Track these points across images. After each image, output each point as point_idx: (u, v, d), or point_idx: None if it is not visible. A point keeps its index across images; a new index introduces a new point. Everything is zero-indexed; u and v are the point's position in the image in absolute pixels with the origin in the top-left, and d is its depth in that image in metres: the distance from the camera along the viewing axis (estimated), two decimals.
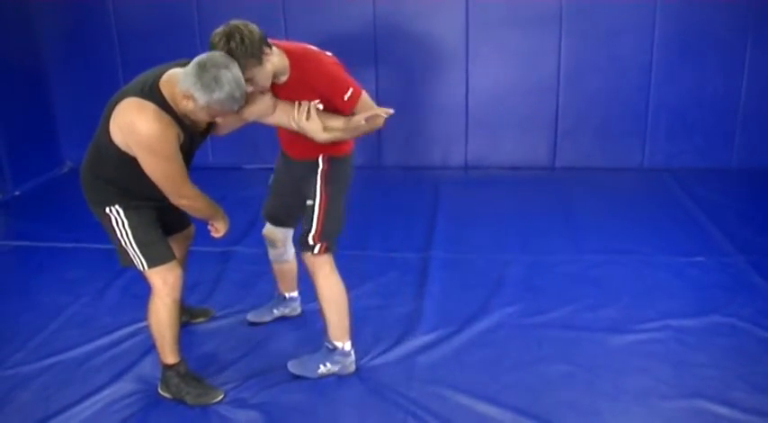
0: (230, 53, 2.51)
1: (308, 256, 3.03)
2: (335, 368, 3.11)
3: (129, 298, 3.84)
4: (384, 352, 3.30)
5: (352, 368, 3.14)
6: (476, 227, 4.86)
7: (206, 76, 2.43)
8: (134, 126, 2.52)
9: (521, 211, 5.15)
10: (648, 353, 3.26)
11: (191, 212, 2.93)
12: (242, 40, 2.53)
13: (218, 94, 2.45)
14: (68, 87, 6.26)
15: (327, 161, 2.96)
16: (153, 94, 2.53)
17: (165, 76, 2.57)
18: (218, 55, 2.49)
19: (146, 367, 3.19)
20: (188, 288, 3.82)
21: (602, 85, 5.90)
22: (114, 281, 4.07)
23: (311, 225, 2.98)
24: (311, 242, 2.98)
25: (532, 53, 5.89)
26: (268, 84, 2.72)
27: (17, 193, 5.78)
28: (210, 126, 2.81)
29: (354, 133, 2.88)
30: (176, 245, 3.12)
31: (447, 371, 3.16)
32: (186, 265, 3.31)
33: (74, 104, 6.25)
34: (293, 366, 3.12)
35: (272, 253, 3.42)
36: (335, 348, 3.09)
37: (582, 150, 6.07)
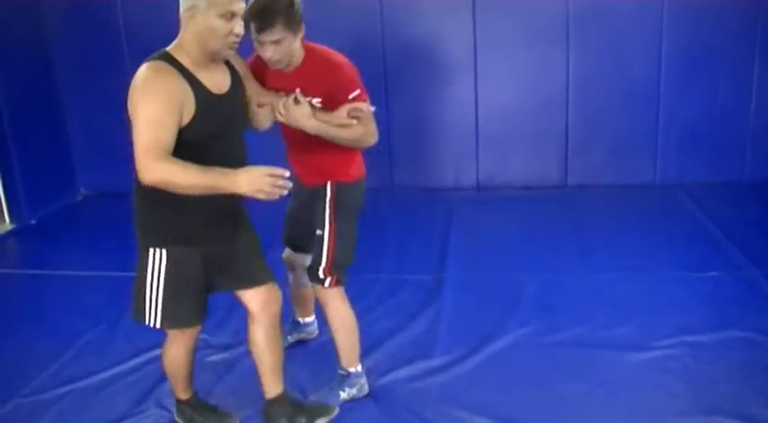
0: (274, 7, 2.55)
1: (318, 288, 3.01)
2: (354, 391, 3.10)
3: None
4: (399, 373, 3.30)
5: (366, 388, 3.14)
6: (489, 247, 4.86)
7: None
8: (137, 76, 2.30)
9: (534, 230, 5.15)
10: (664, 369, 3.24)
11: (182, 192, 2.25)
12: (293, 3, 2.60)
13: None
14: (83, 115, 6.30)
15: (335, 188, 2.93)
16: (160, 56, 2.36)
17: (170, 46, 2.40)
18: None
19: (163, 394, 3.19)
20: None
21: (612, 99, 5.90)
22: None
23: (321, 257, 2.93)
24: (321, 276, 2.94)
25: (541, 69, 5.91)
26: (283, 62, 2.69)
27: (33, 221, 5.83)
28: (244, 94, 2.59)
29: (339, 133, 2.74)
30: (252, 300, 2.70)
31: (462, 391, 3.15)
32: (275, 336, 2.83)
33: (88, 132, 6.32)
34: (316, 398, 3.09)
35: (291, 277, 3.41)
36: (349, 374, 3.09)
37: (593, 167, 6.07)
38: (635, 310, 3.80)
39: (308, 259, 3.13)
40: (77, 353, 3.62)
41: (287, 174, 2.21)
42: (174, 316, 2.56)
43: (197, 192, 2.24)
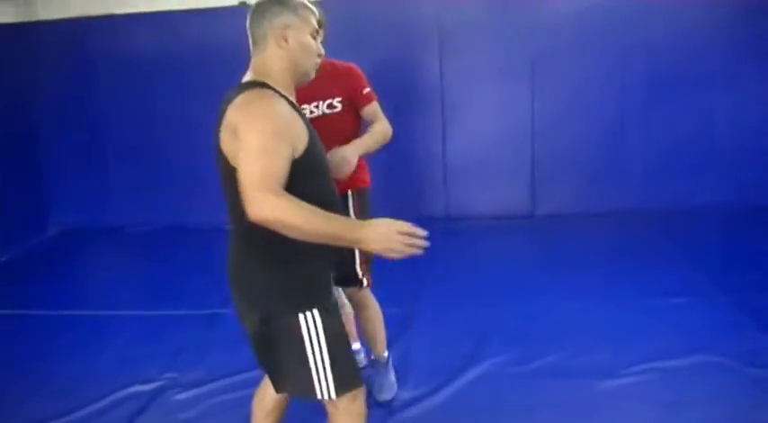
0: None
1: (354, 292, 3.20)
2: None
3: (118, 365, 3.82)
4: (373, 406, 3.28)
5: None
6: (460, 278, 4.89)
7: (275, 2, 2.11)
8: (245, 103, 1.98)
9: (504, 260, 5.19)
10: (638, 396, 3.26)
11: (297, 235, 1.89)
12: None
13: (299, 0, 2.15)
14: (56, 153, 6.30)
15: (355, 194, 3.12)
16: (254, 85, 2.04)
17: (249, 74, 2.13)
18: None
19: None
20: (172, 353, 3.83)
21: (577, 131, 6.02)
22: (103, 348, 4.06)
23: (354, 260, 3.08)
24: (361, 276, 3.14)
25: (507, 102, 6.02)
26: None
27: (3, 258, 5.76)
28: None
29: (372, 143, 2.95)
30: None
31: None
32: None
33: (61, 170, 6.31)
34: (387, 394, 3.34)
35: None
36: (387, 358, 3.42)
37: (560, 197, 6.16)
38: (606, 337, 3.83)
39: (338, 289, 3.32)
40: (48, 393, 3.56)
41: (424, 233, 2.01)
42: (348, 378, 2.18)
43: (312, 239, 1.91)
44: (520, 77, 5.90)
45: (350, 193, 3.09)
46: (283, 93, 2.07)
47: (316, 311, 2.09)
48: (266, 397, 2.48)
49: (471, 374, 3.53)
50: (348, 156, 2.67)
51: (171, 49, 5.98)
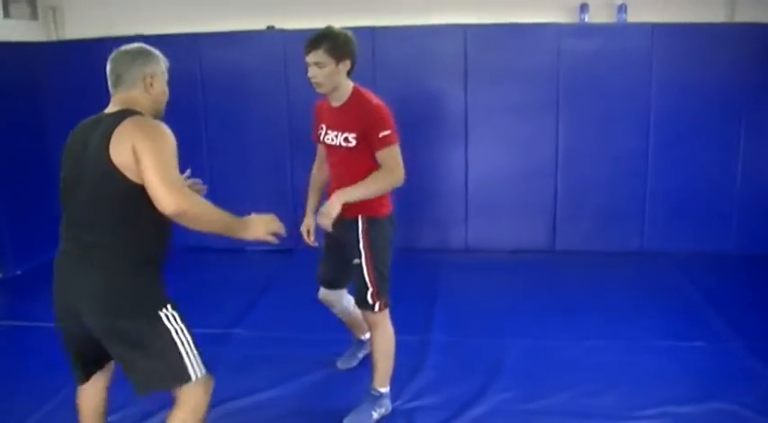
0: (331, 35, 3.06)
1: (368, 314, 3.27)
2: (383, 411, 3.36)
3: (124, 382, 3.81)
4: None
5: (390, 408, 3.41)
6: (475, 310, 4.85)
7: (142, 52, 2.56)
8: (140, 124, 2.38)
9: (520, 294, 5.15)
10: None
11: (197, 226, 2.35)
12: (342, 37, 3.06)
13: (158, 52, 2.61)
14: None
15: (367, 221, 3.20)
16: (132, 112, 2.45)
17: (119, 105, 2.51)
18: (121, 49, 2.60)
19: None
20: None
21: (600, 170, 5.99)
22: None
23: (365, 284, 3.20)
24: (371, 301, 3.22)
25: (531, 138, 6.01)
26: (326, 85, 3.10)
27: (18, 272, 5.81)
28: None
29: (363, 192, 3.09)
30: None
31: None
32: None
33: None
34: (350, 422, 3.30)
35: (334, 311, 3.71)
36: (381, 394, 3.35)
37: (581, 234, 6.12)
38: (619, 379, 3.78)
39: (343, 292, 3.59)
40: (54, 407, 3.56)
41: (284, 232, 2.55)
42: (202, 359, 2.52)
43: (212, 229, 2.38)
44: (545, 113, 5.90)
45: (360, 218, 3.20)
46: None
47: (170, 307, 2.46)
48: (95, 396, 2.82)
49: (478, 410, 3.49)
50: (327, 210, 2.99)
51: (195, 69, 6.06)
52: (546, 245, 6.18)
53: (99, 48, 6.22)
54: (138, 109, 2.47)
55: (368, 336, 3.76)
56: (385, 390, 3.37)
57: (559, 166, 6.00)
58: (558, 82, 5.85)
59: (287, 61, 5.85)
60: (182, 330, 2.45)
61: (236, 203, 3.34)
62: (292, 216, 6.19)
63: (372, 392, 3.35)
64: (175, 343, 2.43)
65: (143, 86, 2.53)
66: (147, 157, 2.27)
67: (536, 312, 4.77)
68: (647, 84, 5.77)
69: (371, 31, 5.84)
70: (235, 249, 6.11)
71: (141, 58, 2.54)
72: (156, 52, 2.60)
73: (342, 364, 3.88)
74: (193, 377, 2.45)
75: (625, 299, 5.02)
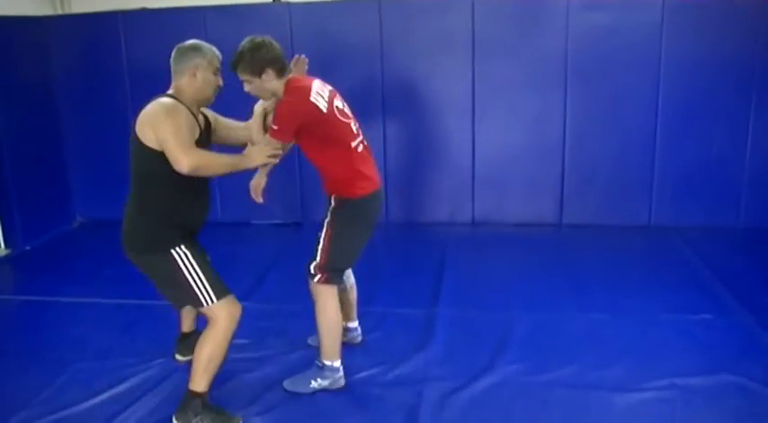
0: (241, 55, 3.13)
1: (310, 283, 3.36)
2: (326, 383, 3.41)
3: (134, 353, 3.85)
4: (389, 409, 3.28)
5: (342, 382, 3.44)
6: (482, 284, 4.86)
7: (191, 48, 3.05)
8: (154, 106, 2.93)
9: (527, 268, 5.15)
10: (654, 413, 3.22)
11: (212, 173, 3.02)
12: (252, 54, 3.12)
13: (208, 47, 3.07)
14: (81, 144, 6.38)
15: (338, 201, 3.33)
16: (165, 96, 3.01)
17: (170, 91, 3.06)
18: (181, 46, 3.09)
19: (150, 420, 3.19)
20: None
21: (608, 146, 5.96)
22: (120, 336, 4.10)
23: (315, 255, 3.33)
24: (312, 271, 3.34)
25: (538, 113, 5.97)
26: (263, 96, 3.28)
27: (27, 247, 5.84)
28: (209, 130, 3.24)
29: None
30: None
31: None
32: None
33: (86, 161, 6.38)
34: (288, 384, 3.43)
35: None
36: (323, 366, 3.40)
37: (589, 208, 6.10)
38: (626, 352, 3.78)
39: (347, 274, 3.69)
40: (67, 380, 3.59)
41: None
42: (221, 289, 3.07)
43: (225, 171, 3.04)
44: (553, 87, 5.86)
45: (333, 197, 3.35)
46: (188, 106, 3.02)
47: (184, 247, 3.02)
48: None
49: (486, 381, 3.50)
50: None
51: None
52: (553, 219, 6.17)
53: (105, 21, 6.27)
54: (181, 96, 3.01)
55: (351, 325, 3.85)
56: (329, 362, 3.41)
57: (567, 140, 5.97)
58: (566, 57, 5.79)
59: (293, 34, 5.82)
60: (191, 265, 3.01)
61: (242, 178, 3.38)
62: (299, 191, 6.24)
63: (316, 363, 3.44)
64: (185, 276, 3.00)
65: (188, 77, 3.03)
66: (161, 130, 2.85)
67: (543, 286, 4.77)
68: (657, 59, 5.71)
69: (378, 3, 5.80)
70: (242, 223, 6.16)
71: (190, 53, 3.03)
72: (207, 48, 3.06)
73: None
74: (204, 303, 3.02)
75: (633, 273, 5.02)
